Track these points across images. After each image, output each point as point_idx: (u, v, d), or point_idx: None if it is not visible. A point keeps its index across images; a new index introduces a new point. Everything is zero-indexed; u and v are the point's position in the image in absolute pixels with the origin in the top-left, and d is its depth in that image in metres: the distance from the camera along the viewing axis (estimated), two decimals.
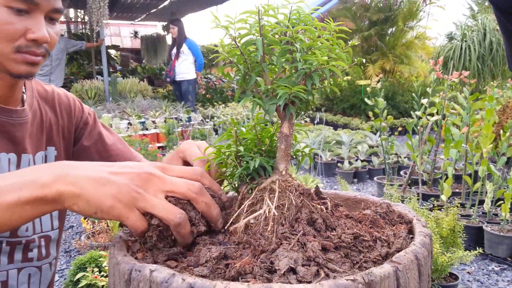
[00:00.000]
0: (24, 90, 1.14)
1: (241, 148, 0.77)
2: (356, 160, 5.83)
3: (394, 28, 11.21)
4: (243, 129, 0.78)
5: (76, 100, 1.30)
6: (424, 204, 3.78)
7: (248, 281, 0.58)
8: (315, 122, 7.04)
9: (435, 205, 3.25)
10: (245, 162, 0.77)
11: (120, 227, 0.76)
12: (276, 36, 0.71)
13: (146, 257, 0.67)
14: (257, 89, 0.72)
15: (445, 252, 2.23)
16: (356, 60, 0.69)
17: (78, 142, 1.26)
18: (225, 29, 0.69)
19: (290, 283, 0.58)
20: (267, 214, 0.72)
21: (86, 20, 12.55)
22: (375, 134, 6.78)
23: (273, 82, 0.71)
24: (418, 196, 3.67)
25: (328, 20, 0.70)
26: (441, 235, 2.30)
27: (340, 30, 0.69)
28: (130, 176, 0.65)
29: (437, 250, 2.16)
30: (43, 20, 0.97)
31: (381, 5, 10.92)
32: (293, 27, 0.67)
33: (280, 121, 0.75)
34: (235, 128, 0.78)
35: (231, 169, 0.82)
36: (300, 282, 0.59)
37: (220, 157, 0.80)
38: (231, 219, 0.76)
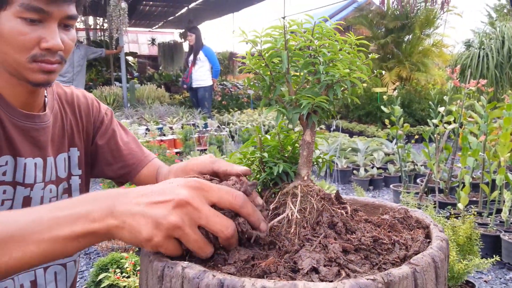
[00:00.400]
0: (45, 94, 1.17)
1: (265, 154, 0.81)
2: (372, 168, 5.82)
3: (410, 36, 11.17)
4: (268, 136, 0.82)
5: (94, 100, 1.33)
6: (441, 212, 3.77)
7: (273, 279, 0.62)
8: (331, 129, 7.05)
9: (452, 213, 3.24)
10: (268, 167, 0.81)
11: None
12: (300, 49, 0.75)
13: None
14: (281, 99, 0.77)
15: (462, 260, 2.23)
16: (375, 71, 0.73)
17: (93, 141, 1.29)
18: (252, 43, 0.74)
19: (313, 281, 0.62)
20: (290, 217, 0.76)
21: (105, 27, 12.78)
22: (391, 141, 6.76)
23: (296, 93, 0.75)
24: (434, 204, 3.66)
25: (346, 31, 0.74)
26: (458, 243, 2.30)
27: (361, 43, 0.73)
28: (166, 207, 0.63)
29: (453, 258, 2.16)
30: (56, 29, 0.98)
31: (398, 12, 10.90)
32: (316, 41, 0.71)
33: (302, 129, 0.79)
34: (260, 135, 0.82)
35: (255, 174, 0.86)
36: (322, 281, 0.63)
37: (245, 162, 0.84)
38: None
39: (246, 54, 0.77)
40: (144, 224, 0.63)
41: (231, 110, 10.75)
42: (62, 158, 1.18)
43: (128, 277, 2.25)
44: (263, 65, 0.76)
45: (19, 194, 1.07)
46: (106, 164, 1.30)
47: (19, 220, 0.65)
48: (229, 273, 0.64)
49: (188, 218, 0.63)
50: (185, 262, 0.64)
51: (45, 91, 1.17)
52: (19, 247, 0.63)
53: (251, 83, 0.80)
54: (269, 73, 0.76)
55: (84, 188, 1.25)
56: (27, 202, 1.08)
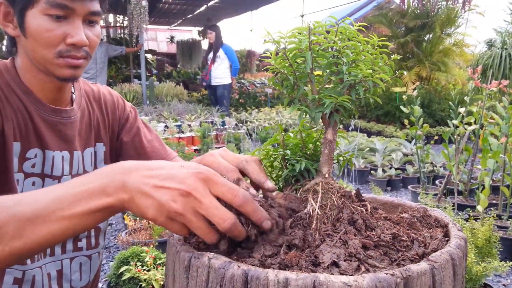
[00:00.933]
0: (73, 90, 1.21)
1: (288, 152, 0.83)
2: (390, 168, 5.79)
3: (431, 35, 11.03)
4: (291, 134, 0.85)
5: (119, 98, 1.36)
6: (459, 214, 3.74)
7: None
8: (349, 129, 7.03)
9: (471, 215, 3.21)
10: (291, 164, 0.84)
11: None
12: (323, 49, 0.77)
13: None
14: (304, 98, 0.79)
15: (480, 262, 2.22)
16: (397, 72, 0.74)
17: (119, 137, 1.32)
18: (276, 43, 0.76)
19: (333, 274, 0.64)
20: (311, 213, 0.78)
21: (125, 25, 12.92)
22: (410, 142, 6.71)
23: (319, 92, 0.77)
24: (453, 206, 3.64)
25: (365, 29, 0.76)
26: (476, 245, 2.29)
27: (383, 45, 0.75)
28: (171, 193, 0.66)
29: (471, 260, 2.16)
30: (80, 24, 1.02)
31: (418, 11, 10.77)
32: (339, 42, 0.73)
33: (323, 128, 0.81)
34: (283, 133, 0.85)
35: (277, 171, 0.89)
36: (342, 274, 0.65)
37: (268, 159, 0.87)
38: None
39: (271, 54, 0.79)
40: (150, 204, 0.66)
41: (248, 108, 10.78)
42: (89, 152, 1.22)
43: (149, 270, 2.30)
44: (287, 64, 0.78)
45: (48, 185, 1.10)
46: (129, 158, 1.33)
47: (40, 199, 0.68)
48: (253, 265, 0.66)
49: (190, 206, 0.66)
50: (211, 253, 0.67)
51: (72, 87, 1.21)
52: (43, 225, 0.67)
53: (275, 82, 0.82)
54: (292, 72, 0.78)
55: None
56: None
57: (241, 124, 7.77)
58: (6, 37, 1.10)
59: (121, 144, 1.32)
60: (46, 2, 0.98)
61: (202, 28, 14.89)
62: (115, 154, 1.33)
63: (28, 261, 1.08)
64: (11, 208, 0.66)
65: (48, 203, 0.68)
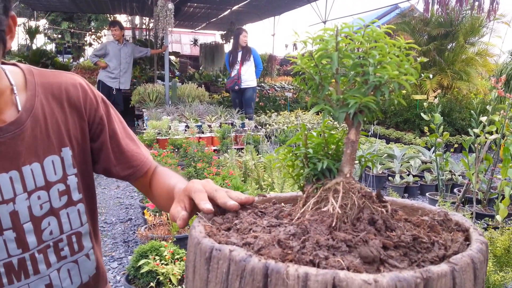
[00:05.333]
0: (15, 88, 1.06)
1: (310, 150, 0.84)
2: (408, 175, 5.74)
3: (454, 44, 10.91)
4: (314, 133, 0.86)
5: (87, 91, 1.19)
6: (478, 222, 3.69)
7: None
8: (369, 134, 6.99)
9: (490, 225, 3.17)
10: (312, 163, 0.85)
11: (196, 214, 0.86)
12: (349, 50, 0.78)
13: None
14: (328, 98, 0.80)
15: (498, 271, 2.19)
16: (423, 75, 0.75)
17: (98, 139, 1.20)
18: (303, 44, 0.78)
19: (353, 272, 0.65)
20: (331, 212, 0.79)
21: (150, 27, 13.09)
22: (429, 149, 6.63)
23: (343, 93, 0.78)
24: (471, 214, 3.59)
25: (388, 36, 0.77)
26: (495, 254, 2.26)
27: (410, 47, 0.75)
28: None
29: (489, 269, 2.13)
30: None
31: (442, 20, 10.67)
32: (366, 43, 0.74)
33: (346, 128, 0.82)
34: (306, 132, 0.86)
35: (299, 169, 0.90)
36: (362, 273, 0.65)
37: (289, 158, 0.88)
38: (297, 215, 0.84)
39: (297, 55, 0.81)
40: None
41: (268, 111, 10.80)
42: (49, 161, 1.10)
43: (167, 264, 2.33)
44: (312, 65, 0.79)
45: (3, 212, 1.04)
46: (107, 163, 1.23)
47: None
48: (273, 258, 0.67)
49: None
50: (232, 246, 0.68)
51: (15, 86, 1.06)
52: None
53: (300, 81, 0.84)
54: (317, 73, 0.79)
55: (84, 185, 1.20)
56: (14, 216, 1.05)
57: (260, 127, 7.79)
58: None
59: (101, 146, 1.21)
60: None
61: (225, 32, 14.98)
62: (92, 156, 1.23)
63: (5, 282, 1.05)
64: None
65: None
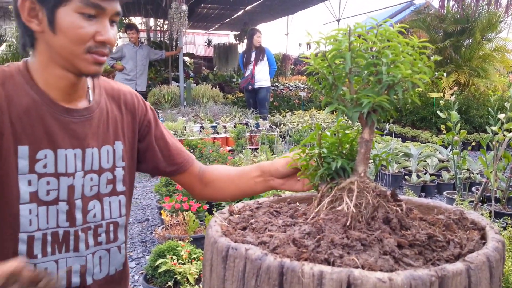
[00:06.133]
0: (89, 86, 1.24)
1: (324, 150, 0.85)
2: (425, 174, 5.68)
3: (470, 40, 10.74)
4: (328, 133, 0.86)
5: (140, 99, 1.39)
6: (496, 221, 3.64)
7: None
8: (384, 133, 6.95)
9: (509, 223, 3.12)
10: (326, 163, 0.85)
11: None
12: (362, 50, 0.78)
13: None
14: (342, 98, 0.80)
15: None
16: (437, 73, 0.75)
17: (144, 139, 1.36)
18: (316, 44, 0.78)
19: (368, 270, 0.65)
20: (346, 211, 0.80)
21: (165, 29, 13.18)
22: (446, 148, 6.56)
23: (357, 92, 0.79)
24: (490, 213, 3.54)
25: (403, 34, 0.77)
26: None
27: (423, 46, 0.75)
28: None
29: (508, 268, 2.10)
30: (108, 24, 1.09)
31: (458, 16, 10.51)
32: (379, 43, 0.74)
33: (360, 128, 0.83)
34: (320, 132, 0.86)
35: (313, 168, 0.91)
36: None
37: (303, 158, 0.89)
38: (312, 214, 0.84)
39: (310, 55, 0.81)
40: None
41: (282, 111, 10.80)
42: (105, 150, 1.25)
43: (184, 264, 2.36)
44: (325, 65, 0.80)
45: (63, 184, 1.15)
46: (155, 161, 1.38)
47: None
48: (288, 257, 0.68)
49: None
50: (248, 245, 0.69)
51: (91, 84, 1.25)
52: None
53: (313, 82, 0.84)
54: (330, 73, 0.80)
55: (128, 180, 1.32)
56: (71, 190, 1.17)
57: (274, 127, 7.80)
58: (22, 34, 1.12)
59: (148, 146, 1.37)
60: (81, 1, 1.04)
61: (239, 32, 15.02)
62: (139, 155, 1.37)
63: (39, 255, 1.13)
64: None
65: None
